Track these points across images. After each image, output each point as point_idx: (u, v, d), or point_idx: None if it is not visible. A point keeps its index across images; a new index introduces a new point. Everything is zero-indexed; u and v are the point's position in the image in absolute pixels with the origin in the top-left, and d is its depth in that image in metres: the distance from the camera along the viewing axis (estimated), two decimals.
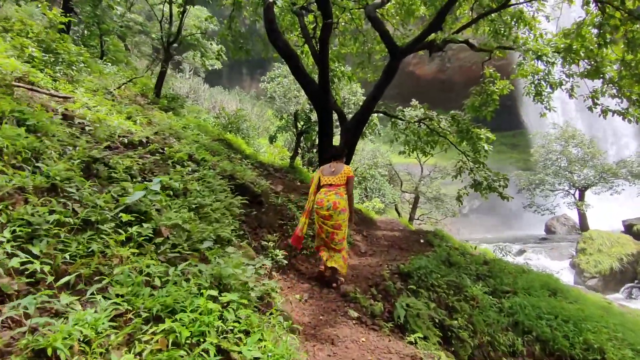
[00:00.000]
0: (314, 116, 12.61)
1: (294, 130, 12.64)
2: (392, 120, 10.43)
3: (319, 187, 4.83)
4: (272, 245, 4.59)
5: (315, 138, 14.44)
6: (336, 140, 15.09)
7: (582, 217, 24.13)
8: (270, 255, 4.31)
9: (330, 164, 4.89)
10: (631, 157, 22.94)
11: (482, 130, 10.59)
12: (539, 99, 10.92)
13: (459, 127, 10.60)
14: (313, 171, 15.65)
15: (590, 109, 10.04)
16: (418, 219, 27.00)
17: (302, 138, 14.32)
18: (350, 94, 18.36)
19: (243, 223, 4.91)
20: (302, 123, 12.17)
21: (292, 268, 4.79)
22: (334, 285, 4.60)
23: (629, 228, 21.32)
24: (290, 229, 5.47)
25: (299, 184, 10.96)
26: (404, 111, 10.35)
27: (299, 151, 22.00)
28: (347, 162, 9.43)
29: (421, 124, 10.61)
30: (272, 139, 26.42)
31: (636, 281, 15.62)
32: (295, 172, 11.54)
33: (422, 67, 44.16)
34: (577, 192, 24.02)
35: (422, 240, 7.02)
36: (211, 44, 16.47)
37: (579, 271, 15.98)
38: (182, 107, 11.97)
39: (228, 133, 15.13)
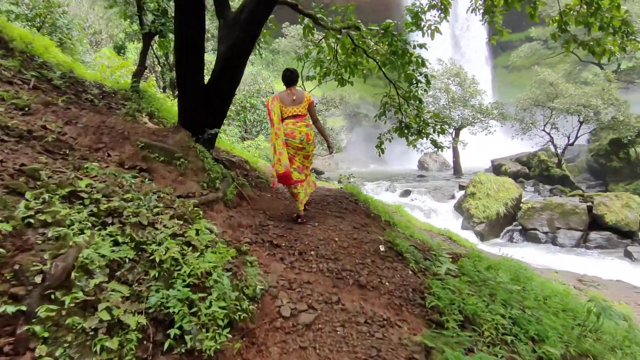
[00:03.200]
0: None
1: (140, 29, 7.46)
2: (306, 24, 6.36)
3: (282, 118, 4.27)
4: None
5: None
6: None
7: (456, 155, 24.18)
8: None
9: (287, 91, 4.32)
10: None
11: (416, 53, 7.45)
12: (489, 17, 8.02)
13: (392, 47, 7.14)
14: (175, 97, 10.78)
15: (553, 36, 7.48)
16: None
17: (153, 44, 9.26)
18: None
19: None
20: (151, 18, 7.13)
21: None
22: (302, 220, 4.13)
23: (497, 168, 21.87)
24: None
25: (145, 121, 6.34)
26: (322, 8, 6.35)
27: (153, 66, 16.26)
28: (235, 84, 5.28)
29: (344, 33, 6.79)
30: (119, 50, 19.42)
31: (514, 223, 15.47)
32: (141, 100, 6.80)
33: None
34: (454, 130, 23.67)
35: (382, 248, 3.60)
36: None
37: (468, 216, 15.11)
38: None
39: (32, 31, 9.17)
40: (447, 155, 26.89)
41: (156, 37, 7.62)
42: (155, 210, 2.42)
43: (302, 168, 4.32)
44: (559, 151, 19.00)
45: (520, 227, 14.99)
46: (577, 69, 22.16)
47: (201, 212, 2.93)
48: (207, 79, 5.08)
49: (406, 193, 19.29)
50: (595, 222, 13.63)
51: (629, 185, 16.03)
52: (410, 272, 3.32)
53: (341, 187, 8.74)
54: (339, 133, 34.00)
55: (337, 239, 3.59)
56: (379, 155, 8.59)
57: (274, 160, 4.19)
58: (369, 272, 3.15)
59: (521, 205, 15.52)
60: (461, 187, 19.62)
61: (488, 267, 3.93)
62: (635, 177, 16.01)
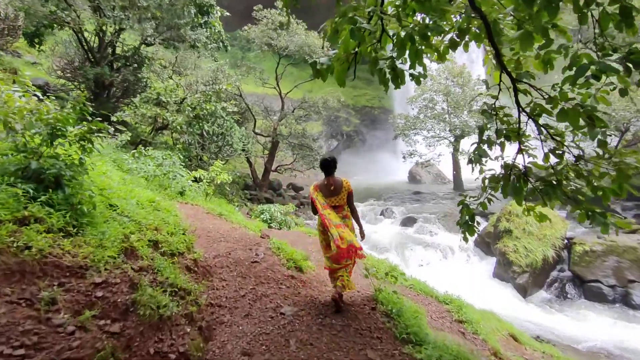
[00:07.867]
0: None
1: None
2: None
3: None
4: None
5: None
6: None
7: (457, 168, 20.07)
8: None
9: (325, 181, 3.96)
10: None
11: None
12: None
13: None
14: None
15: None
16: (276, 171, 19.24)
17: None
18: None
19: None
20: None
21: None
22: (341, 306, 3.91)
23: None
24: None
25: None
26: None
27: (70, 56, 11.25)
28: None
29: None
30: (32, 39, 13.82)
31: (559, 267, 11.35)
32: None
33: None
34: (454, 138, 19.50)
35: None
36: None
37: (505, 262, 10.85)
38: None
39: None
40: (442, 165, 22.79)
41: None
42: None
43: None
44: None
45: (571, 275, 10.89)
46: None
47: None
48: None
49: (409, 221, 14.87)
50: None
51: None
52: None
53: (375, 302, 4.12)
54: (317, 140, 29.26)
55: None
56: (466, 241, 4.00)
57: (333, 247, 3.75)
58: None
59: (569, 242, 11.43)
60: None
61: None
62: None
